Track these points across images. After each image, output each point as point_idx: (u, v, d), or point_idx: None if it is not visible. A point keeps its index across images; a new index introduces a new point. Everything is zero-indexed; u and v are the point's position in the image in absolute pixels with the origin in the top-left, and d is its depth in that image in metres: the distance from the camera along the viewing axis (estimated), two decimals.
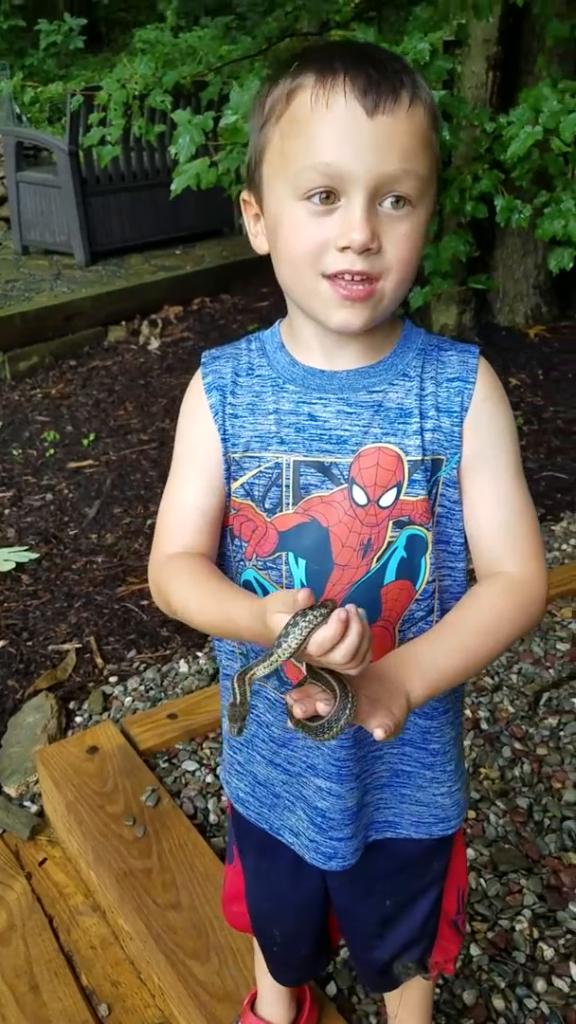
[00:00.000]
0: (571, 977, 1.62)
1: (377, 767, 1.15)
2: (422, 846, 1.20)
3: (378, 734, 0.85)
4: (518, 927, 1.71)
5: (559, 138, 2.88)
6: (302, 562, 1.02)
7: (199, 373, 1.09)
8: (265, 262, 1.02)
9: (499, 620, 1.00)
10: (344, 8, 5.06)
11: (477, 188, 3.31)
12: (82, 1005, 1.63)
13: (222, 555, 1.10)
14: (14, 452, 4.08)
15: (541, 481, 3.56)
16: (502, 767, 2.10)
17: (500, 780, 2.06)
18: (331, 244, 0.91)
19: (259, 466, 1.03)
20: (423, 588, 1.04)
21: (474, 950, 1.67)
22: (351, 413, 1.01)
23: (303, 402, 1.02)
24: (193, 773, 2.10)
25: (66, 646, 2.69)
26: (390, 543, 1.01)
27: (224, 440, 1.05)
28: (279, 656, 0.80)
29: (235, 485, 1.05)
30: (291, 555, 1.02)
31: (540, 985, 1.61)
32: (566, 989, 1.60)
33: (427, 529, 1.02)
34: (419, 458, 1.00)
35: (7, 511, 3.56)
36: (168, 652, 2.64)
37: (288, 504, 1.02)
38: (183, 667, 2.55)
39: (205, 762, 2.13)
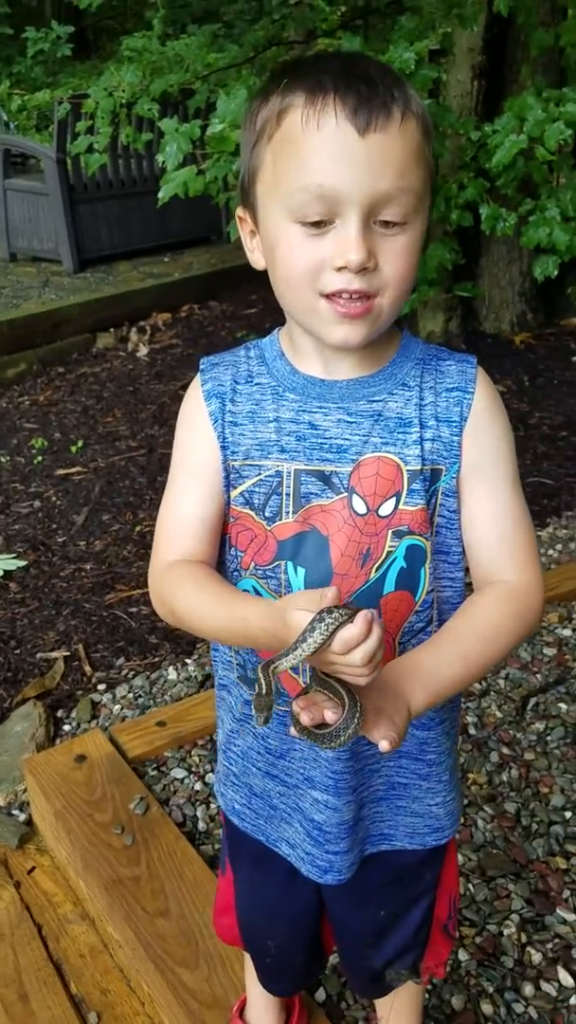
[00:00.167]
0: (559, 981, 1.63)
1: (374, 780, 1.15)
2: (416, 856, 1.21)
3: (383, 745, 0.85)
4: (506, 932, 1.72)
5: (543, 146, 2.90)
6: (301, 571, 1.02)
7: (197, 380, 1.09)
8: (253, 269, 1.03)
9: (498, 629, 1.00)
10: (331, 17, 5.08)
11: (463, 196, 3.33)
12: (71, 1013, 1.63)
13: (220, 564, 1.09)
14: (2, 459, 4.07)
15: (527, 487, 3.54)
16: (490, 772, 2.11)
17: (488, 785, 2.07)
18: (328, 264, 0.91)
19: (259, 474, 1.03)
20: (423, 599, 1.04)
21: (462, 955, 1.67)
22: (351, 422, 1.02)
23: (303, 411, 1.03)
24: (182, 781, 2.10)
25: (54, 654, 2.69)
26: (389, 553, 1.01)
27: (223, 448, 1.05)
28: (304, 650, 0.81)
29: (234, 493, 1.05)
30: (290, 564, 1.03)
31: (528, 990, 1.61)
32: (554, 993, 1.61)
33: (426, 539, 1.03)
34: (418, 468, 1.01)
35: None
36: (157, 659, 2.64)
37: (288, 513, 1.02)
38: (172, 674, 2.55)
39: (194, 769, 2.13)
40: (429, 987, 1.61)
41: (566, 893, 1.80)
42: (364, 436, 1.01)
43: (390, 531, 1.01)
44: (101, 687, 2.53)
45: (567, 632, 2.63)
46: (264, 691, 0.88)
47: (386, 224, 0.90)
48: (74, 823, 1.90)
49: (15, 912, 1.84)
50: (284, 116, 0.90)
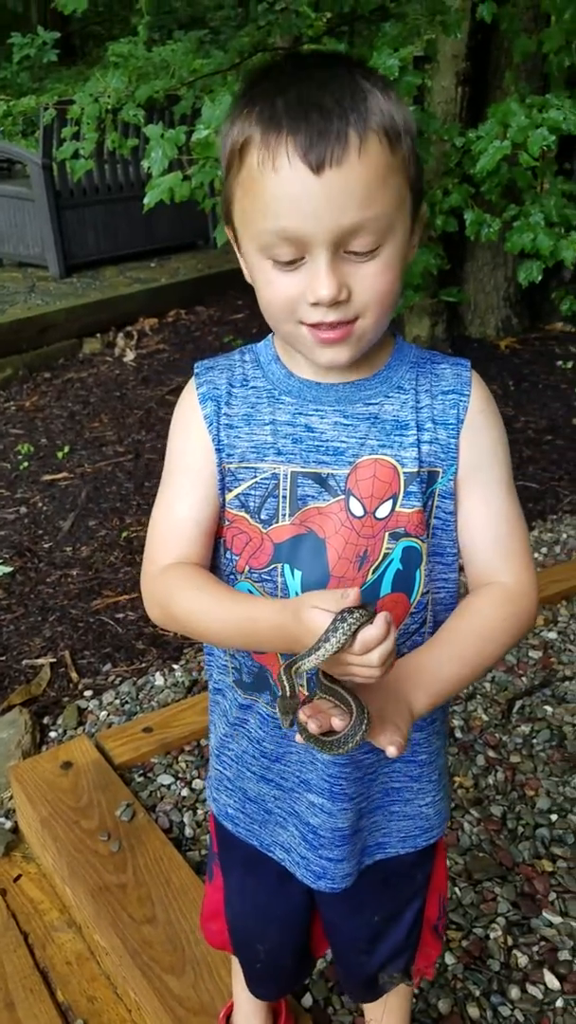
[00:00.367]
0: (545, 984, 1.63)
1: (372, 790, 1.15)
2: (408, 858, 1.21)
3: (391, 751, 0.86)
4: (492, 935, 1.72)
5: (527, 152, 2.92)
6: (298, 574, 1.02)
7: (192, 384, 1.08)
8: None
9: (495, 630, 1.02)
10: (316, 23, 5.10)
11: (447, 202, 3.34)
12: (58, 1021, 1.62)
13: (213, 567, 1.09)
14: None
15: None
16: (476, 775, 2.11)
17: (474, 788, 2.08)
18: (302, 299, 0.91)
19: (255, 477, 1.03)
20: (417, 600, 1.05)
21: (449, 959, 1.68)
22: (348, 425, 1.02)
23: (300, 413, 1.03)
24: (168, 787, 2.09)
25: (40, 660, 2.68)
26: (386, 555, 1.02)
27: (218, 450, 1.05)
28: (328, 649, 0.82)
29: (229, 496, 1.05)
30: (287, 567, 1.02)
31: (514, 993, 1.62)
32: (540, 996, 1.61)
33: (422, 541, 1.03)
34: (415, 470, 1.01)
35: None
36: (144, 665, 2.63)
37: (285, 515, 1.02)
38: (159, 680, 2.55)
39: (181, 776, 2.13)
40: (416, 991, 1.61)
41: (552, 896, 1.80)
42: (361, 439, 1.02)
43: (387, 533, 1.02)
44: (87, 693, 2.52)
45: (552, 635, 2.64)
46: (288, 693, 0.88)
47: (358, 249, 0.89)
48: (60, 830, 1.89)
49: (1, 920, 1.83)
50: (245, 152, 0.89)
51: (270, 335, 1.10)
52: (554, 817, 1.99)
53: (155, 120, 3.93)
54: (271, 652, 1.05)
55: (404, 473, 1.01)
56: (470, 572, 1.07)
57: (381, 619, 0.81)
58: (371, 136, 0.86)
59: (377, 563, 1.02)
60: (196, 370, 1.09)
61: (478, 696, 2.39)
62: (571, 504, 3.54)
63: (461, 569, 1.09)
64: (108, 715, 2.42)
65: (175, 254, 7.05)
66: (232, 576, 1.07)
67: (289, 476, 1.02)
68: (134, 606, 2.92)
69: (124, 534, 3.40)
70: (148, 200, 3.27)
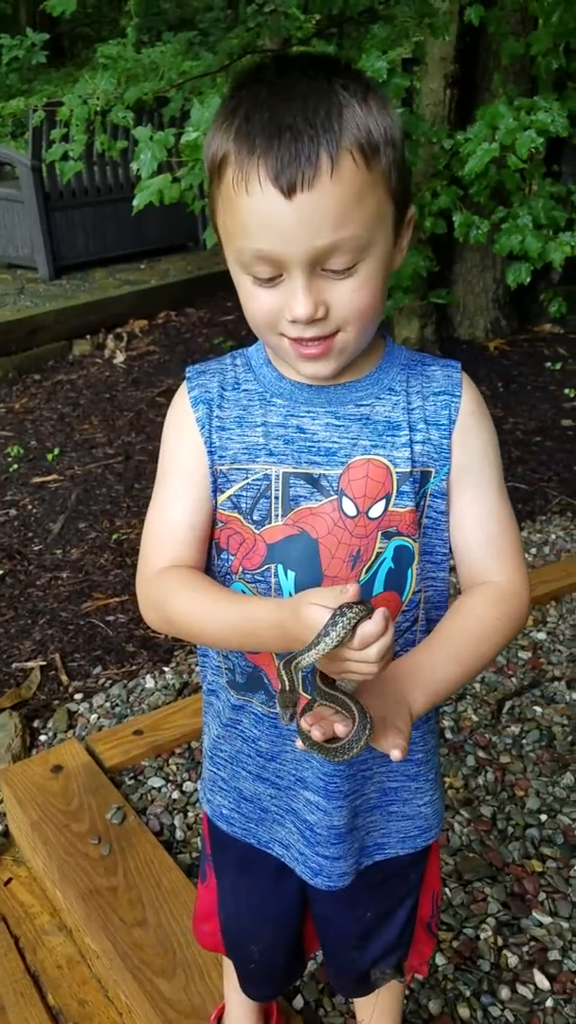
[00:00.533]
0: (535, 984, 1.64)
1: (367, 788, 1.15)
2: (406, 859, 1.22)
3: (395, 755, 0.86)
4: (483, 935, 1.73)
5: (515, 154, 2.93)
6: (291, 574, 1.03)
7: (184, 387, 1.09)
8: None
9: (488, 629, 1.03)
10: (305, 25, 5.12)
11: (436, 204, 3.35)
12: None
13: (208, 568, 1.09)
14: None
15: None
16: (466, 776, 2.12)
17: (464, 789, 2.08)
18: (282, 315, 0.92)
19: (247, 478, 1.04)
20: (409, 599, 1.06)
21: (439, 959, 1.68)
22: (339, 426, 1.03)
23: (291, 415, 1.04)
24: (159, 790, 2.09)
25: (30, 664, 2.68)
26: (378, 554, 1.03)
27: (210, 453, 1.05)
28: (327, 644, 0.82)
29: (222, 498, 1.06)
30: (280, 567, 1.03)
31: (505, 993, 1.62)
32: (530, 996, 1.62)
33: (414, 540, 1.04)
34: (408, 470, 1.02)
35: None
36: (134, 668, 2.63)
37: (277, 516, 1.03)
38: (149, 683, 2.54)
39: (171, 778, 2.13)
40: (407, 991, 1.61)
41: (542, 896, 1.81)
42: (353, 439, 1.02)
43: (379, 532, 1.02)
44: (78, 696, 2.51)
45: (542, 635, 2.65)
46: (288, 688, 0.88)
47: (335, 268, 0.89)
48: (51, 833, 1.89)
49: None
50: (224, 169, 0.89)
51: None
52: (544, 817, 2.00)
53: (144, 122, 3.92)
54: (269, 652, 1.05)
55: (397, 473, 1.02)
56: (462, 572, 1.08)
57: (379, 614, 0.82)
58: (344, 156, 0.84)
59: (370, 562, 1.03)
60: (188, 374, 1.10)
61: (468, 697, 2.39)
62: (560, 505, 3.55)
63: (452, 569, 1.10)
64: (98, 718, 2.41)
65: (165, 256, 7.04)
66: (226, 577, 1.08)
67: (281, 477, 1.03)
68: (124, 608, 2.91)
69: (114, 536, 3.39)
70: (137, 202, 3.27)
